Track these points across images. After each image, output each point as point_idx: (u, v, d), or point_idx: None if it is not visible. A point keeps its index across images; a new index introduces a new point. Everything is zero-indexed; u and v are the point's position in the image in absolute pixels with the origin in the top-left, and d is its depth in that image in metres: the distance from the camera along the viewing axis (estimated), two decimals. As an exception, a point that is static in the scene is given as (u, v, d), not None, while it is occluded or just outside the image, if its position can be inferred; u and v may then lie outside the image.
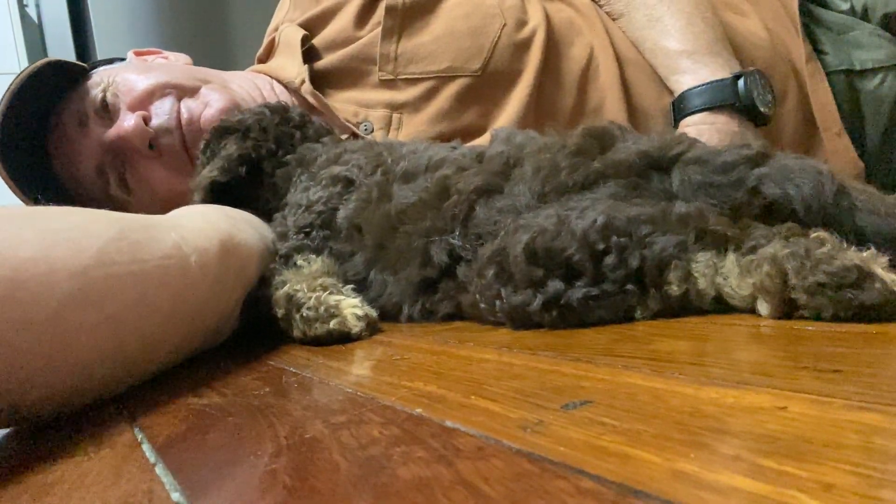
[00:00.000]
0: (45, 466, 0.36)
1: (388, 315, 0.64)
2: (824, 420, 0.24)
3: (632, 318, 0.47)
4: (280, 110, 0.86)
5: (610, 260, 0.46)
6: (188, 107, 0.97)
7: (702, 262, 0.44)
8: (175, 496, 0.28)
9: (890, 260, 0.39)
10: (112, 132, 0.95)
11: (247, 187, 0.82)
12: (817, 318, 0.39)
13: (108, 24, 2.09)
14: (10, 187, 0.95)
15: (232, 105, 0.96)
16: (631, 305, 0.47)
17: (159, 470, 0.32)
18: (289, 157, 0.81)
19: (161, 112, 0.96)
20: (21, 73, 0.93)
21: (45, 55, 2.43)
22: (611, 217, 0.47)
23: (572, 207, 0.49)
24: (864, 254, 0.39)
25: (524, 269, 0.48)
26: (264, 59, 1.13)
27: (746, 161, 0.48)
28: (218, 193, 0.80)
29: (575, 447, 0.25)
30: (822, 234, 0.41)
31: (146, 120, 0.95)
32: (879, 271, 0.38)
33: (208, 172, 0.81)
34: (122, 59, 1.10)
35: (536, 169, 0.54)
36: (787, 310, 0.40)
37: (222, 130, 0.84)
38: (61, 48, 2.33)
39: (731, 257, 0.43)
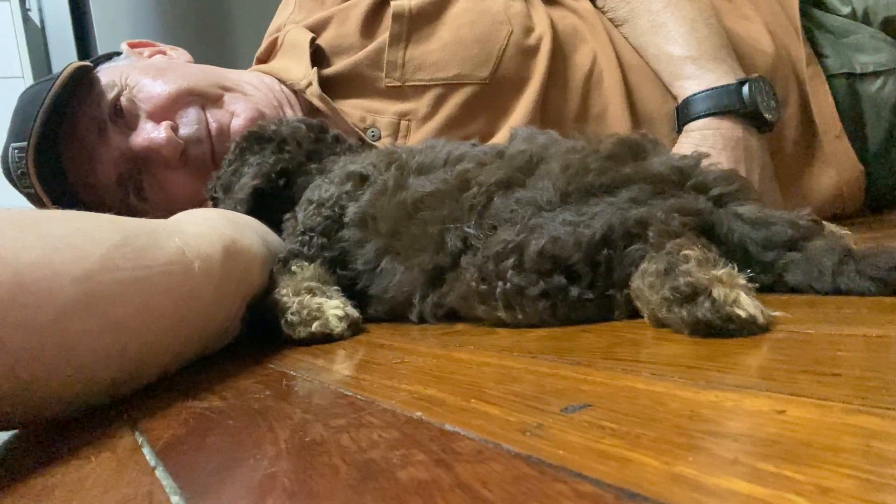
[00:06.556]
0: (45, 469, 0.36)
1: (397, 310, 0.64)
2: (823, 424, 0.24)
3: (611, 319, 0.50)
4: (317, 128, 0.86)
5: (602, 269, 0.49)
6: (216, 117, 0.97)
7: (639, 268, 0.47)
8: (175, 499, 0.28)
9: (752, 277, 0.42)
10: (140, 142, 0.93)
11: (271, 198, 0.82)
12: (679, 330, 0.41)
13: (111, 28, 2.10)
14: (44, 201, 0.93)
15: (257, 114, 0.96)
16: (611, 308, 0.50)
17: (159, 473, 0.32)
18: (312, 166, 0.82)
19: (188, 122, 0.95)
20: (54, 83, 0.89)
21: (48, 59, 2.44)
22: (610, 227, 0.48)
23: (584, 213, 0.50)
24: (721, 271, 0.41)
25: (536, 261, 0.50)
26: (264, 60, 1.12)
27: (786, 243, 0.49)
28: (257, 202, 0.80)
29: (574, 451, 0.25)
30: (691, 251, 0.42)
31: (174, 130, 0.93)
32: (718, 290, 0.39)
33: (250, 180, 0.81)
34: (119, 53, 1.08)
35: (564, 167, 0.54)
36: (659, 321, 0.43)
37: (258, 137, 0.85)
38: (64, 52, 2.34)
39: (642, 266, 0.46)
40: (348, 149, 0.86)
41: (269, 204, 0.81)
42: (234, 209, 0.79)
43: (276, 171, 0.81)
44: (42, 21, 2.48)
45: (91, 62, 1.00)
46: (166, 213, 0.92)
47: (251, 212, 0.79)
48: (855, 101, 1.01)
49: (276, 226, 0.78)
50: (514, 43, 0.95)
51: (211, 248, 0.56)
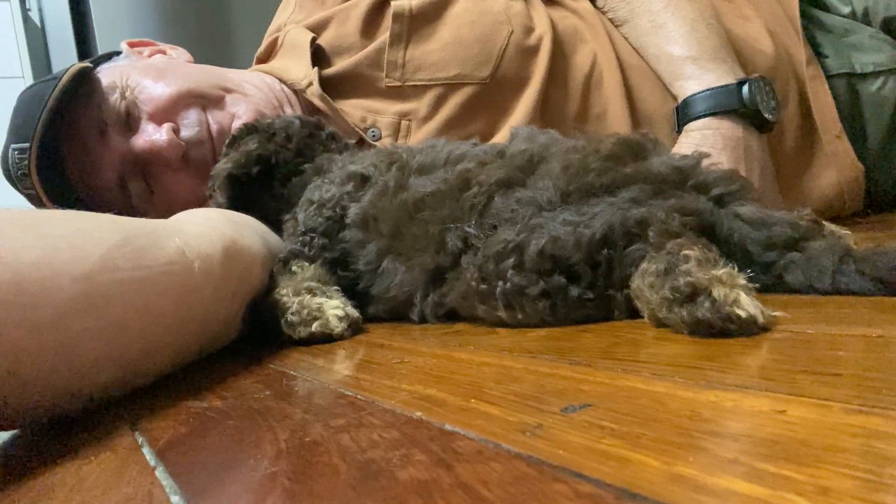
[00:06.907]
0: (45, 469, 0.36)
1: (398, 310, 0.64)
2: (823, 424, 0.24)
3: (611, 319, 0.50)
4: (311, 125, 0.86)
5: (602, 269, 0.49)
6: (217, 119, 0.97)
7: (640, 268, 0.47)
8: (175, 499, 0.28)
9: (752, 277, 0.42)
10: (142, 144, 0.93)
11: (258, 191, 0.82)
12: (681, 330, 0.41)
13: (111, 28, 2.10)
14: (44, 201, 0.93)
15: (258, 115, 0.96)
16: (611, 308, 0.50)
17: (159, 473, 0.32)
18: (306, 165, 0.81)
19: (189, 124, 0.96)
20: (56, 85, 0.89)
21: (48, 59, 2.44)
22: (610, 227, 0.49)
23: (584, 213, 0.50)
24: (721, 271, 0.41)
25: (536, 261, 0.50)
26: (264, 60, 1.12)
27: (786, 243, 0.49)
28: (238, 190, 0.80)
29: (574, 451, 0.25)
30: (691, 251, 0.42)
31: (176, 132, 0.94)
32: (718, 290, 0.39)
33: (223, 164, 0.81)
34: (119, 53, 1.08)
35: (565, 167, 0.54)
36: (659, 321, 0.43)
37: (251, 128, 0.85)
38: (64, 52, 2.34)
39: (642, 266, 0.46)
40: (344, 147, 0.86)
41: (253, 194, 0.81)
42: (218, 201, 0.79)
43: (251, 157, 0.80)
44: (42, 21, 2.47)
45: (91, 62, 1.00)
46: (167, 214, 0.91)
47: (233, 200, 0.79)
48: (855, 101, 1.01)
49: (264, 218, 0.78)
50: (515, 43, 0.95)
51: (211, 248, 0.56)
